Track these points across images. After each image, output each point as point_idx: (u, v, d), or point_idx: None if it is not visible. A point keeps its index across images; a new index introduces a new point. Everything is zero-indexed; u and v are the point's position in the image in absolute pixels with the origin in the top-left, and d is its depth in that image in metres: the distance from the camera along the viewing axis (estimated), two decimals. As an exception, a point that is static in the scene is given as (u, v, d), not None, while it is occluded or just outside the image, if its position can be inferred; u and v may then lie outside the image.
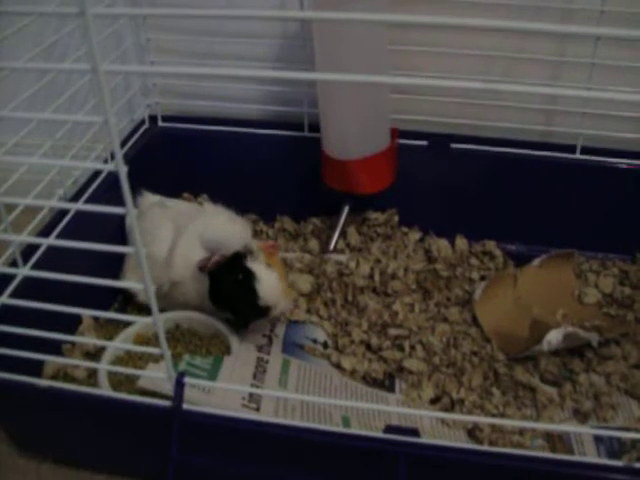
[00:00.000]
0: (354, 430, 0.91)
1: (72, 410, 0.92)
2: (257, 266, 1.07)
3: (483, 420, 0.95)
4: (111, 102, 0.57)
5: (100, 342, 0.96)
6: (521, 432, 1.01)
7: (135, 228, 0.67)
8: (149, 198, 1.31)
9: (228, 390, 0.95)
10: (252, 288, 1.05)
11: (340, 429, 0.84)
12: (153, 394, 0.92)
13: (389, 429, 0.80)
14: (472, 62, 1.33)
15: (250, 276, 1.06)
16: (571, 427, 0.96)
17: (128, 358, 1.10)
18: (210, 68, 0.55)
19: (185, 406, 0.83)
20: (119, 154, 0.61)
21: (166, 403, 0.84)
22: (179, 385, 0.82)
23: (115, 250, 0.71)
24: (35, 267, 1.04)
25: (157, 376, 0.86)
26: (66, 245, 0.76)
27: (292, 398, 0.99)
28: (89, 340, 1.03)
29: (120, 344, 1.05)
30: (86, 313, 0.78)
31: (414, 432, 0.80)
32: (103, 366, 0.98)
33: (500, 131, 1.38)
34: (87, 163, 0.72)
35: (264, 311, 1.08)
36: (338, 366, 1.13)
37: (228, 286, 1.08)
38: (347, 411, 1.01)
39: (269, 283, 1.06)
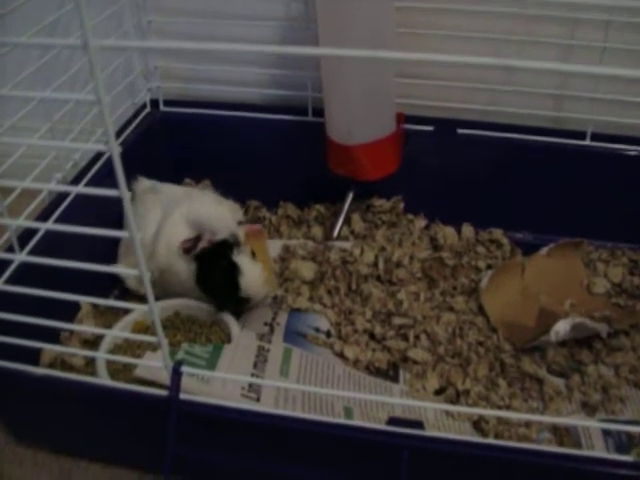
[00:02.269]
0: (356, 422, 0.88)
1: (67, 399, 0.90)
2: (242, 258, 1.08)
3: (488, 413, 0.92)
4: (103, 80, 0.54)
5: (97, 330, 0.93)
6: (527, 424, 0.99)
7: (129, 212, 0.64)
8: (143, 183, 1.29)
9: (227, 379, 0.93)
10: (235, 280, 1.07)
11: (342, 421, 0.82)
12: (151, 383, 0.90)
13: (392, 421, 0.78)
14: (482, 46, 1.31)
15: (234, 268, 1.07)
16: (578, 420, 0.93)
17: (127, 346, 1.08)
18: (207, 43, 0.51)
19: (182, 396, 0.81)
20: (112, 133, 0.58)
21: (163, 393, 0.82)
22: (176, 374, 0.80)
23: (109, 234, 0.68)
24: (33, 252, 1.03)
25: (154, 365, 0.84)
26: (59, 229, 0.74)
27: (292, 389, 0.96)
28: (86, 329, 1.01)
29: (117, 332, 1.03)
30: (82, 300, 0.76)
31: (418, 424, 0.78)
32: (100, 354, 0.96)
33: (508, 117, 1.35)
34: (79, 144, 0.70)
35: (244, 301, 1.09)
36: (341, 355, 1.11)
37: (212, 274, 1.09)
38: (349, 401, 0.99)
39: (252, 276, 1.07)
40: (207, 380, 0.91)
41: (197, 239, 1.09)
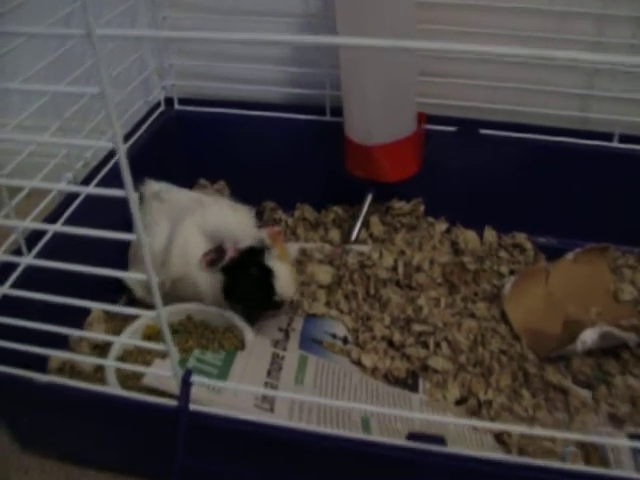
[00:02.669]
0: (374, 437, 0.84)
1: (73, 407, 0.88)
2: (274, 262, 1.07)
3: (513, 429, 0.88)
4: (108, 72, 0.51)
5: (105, 337, 0.90)
6: (552, 439, 0.95)
7: (136, 214, 0.61)
8: (152, 186, 1.24)
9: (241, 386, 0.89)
10: (269, 284, 1.05)
11: (360, 436, 0.78)
12: (161, 391, 0.86)
13: (412, 437, 0.74)
14: (506, 44, 1.25)
15: (268, 273, 1.06)
16: (606, 438, 0.89)
17: (137, 351, 1.05)
18: (221, 33, 0.48)
19: (192, 406, 0.78)
20: (118, 128, 0.55)
21: (172, 403, 0.79)
22: (185, 384, 0.76)
23: (117, 237, 0.65)
24: (41, 254, 1.01)
25: (162, 374, 0.80)
26: (66, 231, 0.70)
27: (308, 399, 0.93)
28: (94, 335, 0.98)
29: (125, 339, 1.00)
30: (89, 305, 0.73)
31: (439, 440, 0.74)
32: (108, 362, 0.93)
33: (533, 117, 1.32)
34: (84, 141, 0.67)
35: (278, 304, 1.08)
36: (358, 363, 1.09)
37: (244, 282, 1.07)
38: (367, 412, 0.96)
39: (285, 278, 1.06)
40: (218, 389, 0.87)
41: (219, 250, 1.08)
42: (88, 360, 0.92)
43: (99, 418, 0.89)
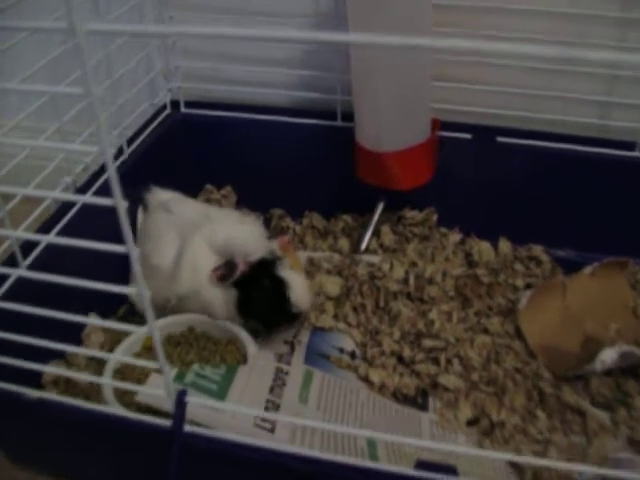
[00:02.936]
0: (381, 464, 0.80)
1: (64, 424, 0.84)
2: (287, 272, 1.06)
3: (529, 461, 0.83)
4: (91, 70, 0.47)
5: (97, 354, 0.86)
6: (569, 462, 0.92)
7: (125, 224, 0.57)
8: (158, 195, 1.21)
9: (239, 405, 0.85)
10: (284, 296, 1.04)
11: (364, 464, 0.73)
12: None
13: (421, 465, 0.69)
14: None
15: (281, 284, 1.04)
16: (627, 473, 0.83)
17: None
18: (226, 28, 0.44)
19: (187, 427, 0.73)
20: (104, 130, 0.50)
21: (166, 423, 0.74)
22: (180, 405, 0.71)
23: (112, 250, 0.60)
24: (36, 262, 0.98)
25: (155, 393, 0.76)
26: (59, 242, 0.66)
27: (312, 418, 0.89)
28: (85, 351, 0.94)
29: (118, 356, 0.96)
30: (79, 320, 0.68)
31: (450, 470, 0.69)
32: (104, 380, 0.90)
33: (551, 125, 1.29)
34: (66, 145, 0.62)
35: (295, 316, 1.07)
36: (366, 379, 1.05)
37: (258, 296, 1.05)
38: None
39: (300, 289, 1.06)
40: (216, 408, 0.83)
41: (229, 265, 1.05)
42: (82, 377, 0.88)
43: (91, 436, 0.85)
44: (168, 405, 0.74)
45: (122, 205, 0.56)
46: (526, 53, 0.35)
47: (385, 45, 0.41)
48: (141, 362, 0.73)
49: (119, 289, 0.64)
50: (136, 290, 0.62)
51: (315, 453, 0.73)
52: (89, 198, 0.56)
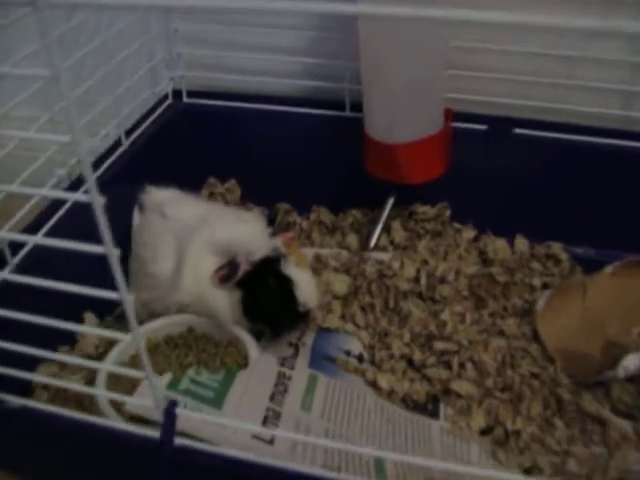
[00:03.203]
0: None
1: (48, 433, 0.79)
2: (292, 270, 1.03)
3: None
4: (59, 49, 0.42)
5: (86, 363, 0.81)
6: (589, 476, 0.89)
7: (102, 220, 0.51)
8: (154, 195, 1.18)
9: (236, 415, 0.81)
10: (291, 295, 1.01)
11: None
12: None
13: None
14: (543, 35, 1.21)
15: (287, 282, 1.02)
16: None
17: (132, 363, 0.99)
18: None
19: (178, 441, 0.68)
20: (74, 117, 0.45)
21: (156, 434, 0.69)
22: (169, 417, 0.66)
23: (98, 252, 0.55)
24: (25, 261, 0.96)
25: (144, 404, 0.71)
26: (46, 243, 0.62)
27: (314, 428, 0.84)
28: (71, 360, 0.89)
29: (108, 366, 0.91)
30: (60, 326, 0.64)
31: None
32: (97, 391, 0.87)
33: (571, 115, 1.26)
34: (39, 135, 0.57)
35: (302, 316, 1.05)
36: (374, 385, 1.02)
37: (264, 295, 1.02)
38: (380, 443, 0.88)
39: (307, 286, 1.03)
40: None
41: (232, 265, 1.02)
42: (71, 386, 0.83)
43: (77, 446, 0.80)
44: (158, 414, 0.69)
45: (99, 202, 0.51)
46: (555, 25, 0.30)
47: (393, 16, 0.36)
48: (127, 371, 0.68)
49: (104, 294, 0.59)
50: (118, 295, 0.57)
51: (317, 471, 0.68)
52: (61, 194, 0.51)
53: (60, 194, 0.53)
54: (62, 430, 0.77)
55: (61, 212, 1.02)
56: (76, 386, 0.84)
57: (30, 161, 0.99)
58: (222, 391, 0.86)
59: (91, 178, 0.49)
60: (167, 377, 0.86)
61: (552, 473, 0.89)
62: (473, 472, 0.61)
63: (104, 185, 0.91)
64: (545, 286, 1.20)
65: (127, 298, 0.57)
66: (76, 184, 1.07)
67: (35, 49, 0.98)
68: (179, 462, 0.69)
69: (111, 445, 0.76)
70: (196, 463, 0.70)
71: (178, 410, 0.67)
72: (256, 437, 0.78)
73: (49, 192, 0.55)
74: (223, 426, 0.78)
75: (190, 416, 0.71)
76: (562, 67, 1.24)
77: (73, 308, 0.71)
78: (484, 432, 0.97)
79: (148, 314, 1.08)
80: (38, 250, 0.97)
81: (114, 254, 0.53)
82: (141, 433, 0.71)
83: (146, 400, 0.69)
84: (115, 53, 1.19)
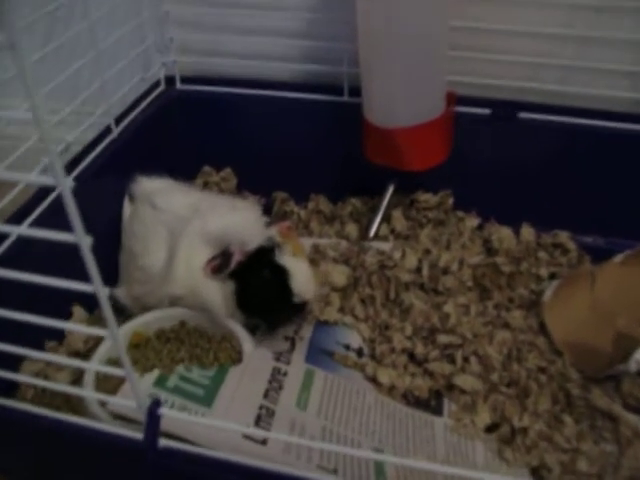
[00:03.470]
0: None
1: (29, 434, 0.76)
2: (287, 259, 1.00)
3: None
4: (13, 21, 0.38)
5: (72, 362, 0.77)
6: (600, 475, 0.87)
7: (72, 207, 0.47)
8: (145, 186, 1.16)
9: (227, 414, 0.78)
10: (286, 285, 0.99)
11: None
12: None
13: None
14: (550, 14, 1.20)
15: (281, 272, 0.99)
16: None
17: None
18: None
19: (163, 442, 0.64)
20: (34, 92, 0.41)
21: (139, 436, 0.65)
22: (152, 418, 0.62)
23: (57, 239, 0.51)
24: (9, 251, 0.93)
25: (126, 404, 0.67)
26: (31, 234, 0.58)
27: (310, 426, 0.81)
28: (55, 358, 0.86)
29: (94, 365, 0.88)
30: (43, 323, 0.60)
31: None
32: (86, 392, 0.83)
33: (578, 98, 1.24)
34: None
35: (298, 308, 1.01)
36: (373, 380, 1.00)
37: (257, 285, 1.00)
38: (381, 442, 0.85)
39: (303, 276, 1.00)
40: (201, 415, 0.76)
41: (224, 255, 0.99)
42: (56, 387, 0.80)
43: (60, 447, 0.77)
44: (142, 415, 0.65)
45: (67, 186, 0.47)
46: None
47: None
48: (109, 369, 0.65)
49: (76, 285, 0.54)
50: (93, 288, 0.53)
51: (311, 474, 0.64)
52: (24, 176, 0.47)
53: (24, 177, 0.49)
54: (45, 431, 0.74)
55: (44, 204, 1.01)
56: (61, 387, 0.80)
57: (10, 150, 0.97)
58: (213, 388, 0.83)
59: (54, 155, 0.46)
60: (154, 374, 0.83)
61: (561, 472, 0.87)
62: (477, 477, 0.57)
63: (93, 175, 0.87)
64: (552, 276, 1.19)
65: (102, 291, 0.52)
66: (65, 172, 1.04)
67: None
68: (163, 465, 0.66)
69: (95, 446, 0.73)
70: (181, 466, 0.66)
71: (162, 410, 0.64)
72: (248, 437, 0.75)
73: (4, 173, 0.51)
74: (211, 426, 0.74)
75: (175, 416, 0.67)
76: (570, 47, 1.23)
77: (61, 301, 0.68)
78: (489, 429, 0.95)
79: (140, 308, 1.06)
80: (21, 242, 0.94)
81: (86, 243, 0.49)
82: (125, 434, 0.67)
83: (129, 400, 0.65)
84: (104, 37, 1.16)
